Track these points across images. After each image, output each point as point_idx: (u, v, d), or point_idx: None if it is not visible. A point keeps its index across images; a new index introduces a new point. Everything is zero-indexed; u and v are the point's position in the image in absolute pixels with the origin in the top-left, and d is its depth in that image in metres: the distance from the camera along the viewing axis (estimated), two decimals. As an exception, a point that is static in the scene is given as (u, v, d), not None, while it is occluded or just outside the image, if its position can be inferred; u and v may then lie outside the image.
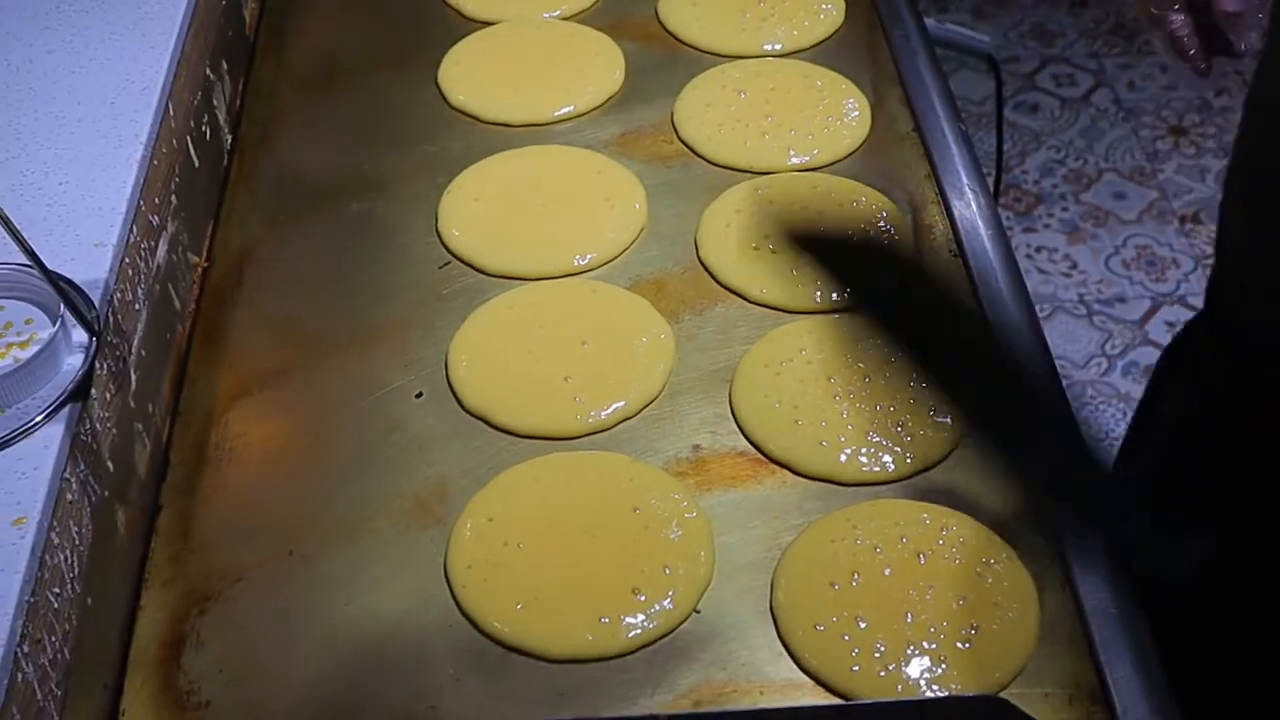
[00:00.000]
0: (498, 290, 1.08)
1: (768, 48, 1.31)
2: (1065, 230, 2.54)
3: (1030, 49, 2.96)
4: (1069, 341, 2.33)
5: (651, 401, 1.00)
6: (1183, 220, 2.55)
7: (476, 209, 1.15)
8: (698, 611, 0.87)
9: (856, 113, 1.23)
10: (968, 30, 1.56)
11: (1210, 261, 2.43)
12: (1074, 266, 2.47)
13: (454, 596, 0.88)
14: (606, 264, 1.10)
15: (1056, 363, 1.03)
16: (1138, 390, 2.24)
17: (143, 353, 0.96)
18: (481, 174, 1.18)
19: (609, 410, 0.98)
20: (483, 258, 1.11)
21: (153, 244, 1.01)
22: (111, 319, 0.91)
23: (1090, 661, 0.84)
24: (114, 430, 0.90)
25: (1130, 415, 2.19)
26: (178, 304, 1.06)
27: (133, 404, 0.94)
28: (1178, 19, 0.98)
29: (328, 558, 0.91)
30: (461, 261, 1.11)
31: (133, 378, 0.94)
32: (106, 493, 0.87)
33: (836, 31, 1.33)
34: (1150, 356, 2.30)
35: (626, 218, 1.13)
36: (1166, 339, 2.32)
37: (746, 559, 0.90)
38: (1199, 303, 2.36)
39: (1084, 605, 0.86)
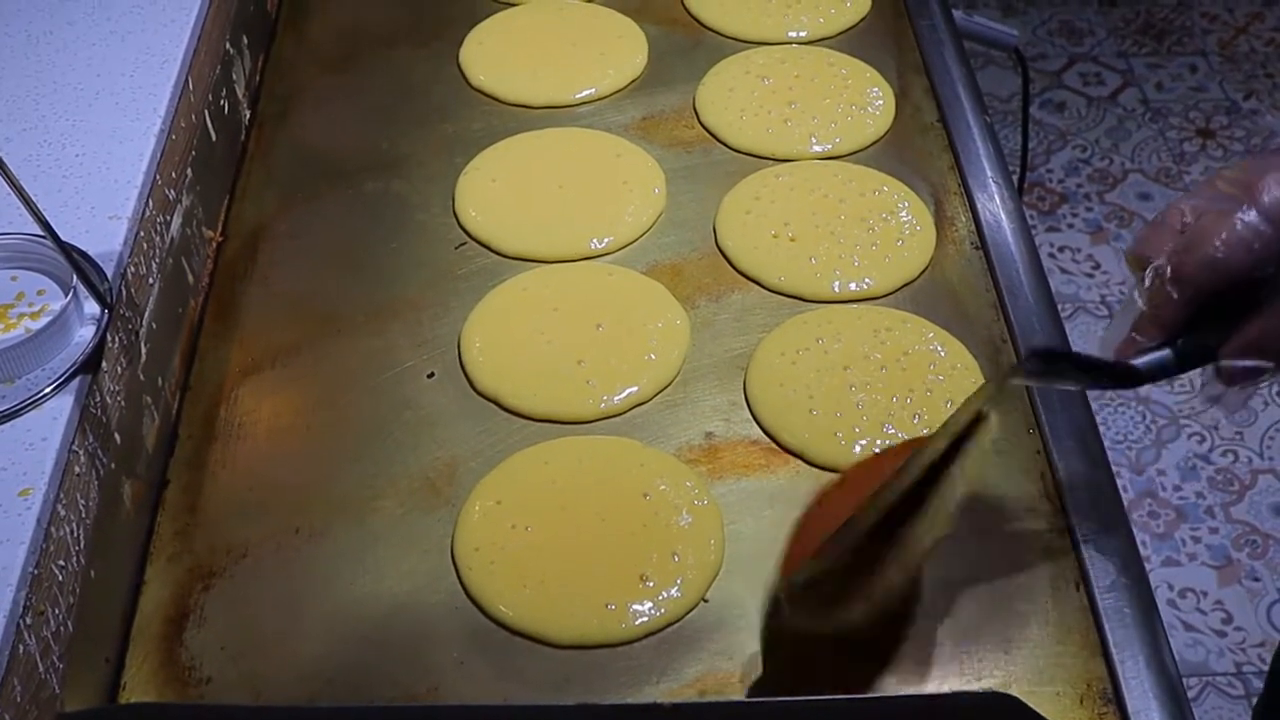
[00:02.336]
0: (513, 272, 1.07)
1: (792, 34, 1.30)
2: (1089, 230, 2.53)
3: (1058, 46, 2.94)
4: (1090, 342, 2.31)
5: (665, 387, 0.99)
6: (1208, 222, 2.53)
7: (494, 190, 1.14)
8: (706, 600, 0.86)
9: (880, 102, 1.21)
10: (995, 23, 1.54)
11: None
12: (1097, 267, 2.46)
13: (460, 578, 0.88)
14: (624, 248, 1.10)
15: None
16: (1157, 393, 2.22)
17: (154, 326, 0.96)
18: (500, 155, 1.18)
19: (622, 395, 0.97)
20: (499, 239, 1.10)
21: (167, 218, 1.01)
22: (124, 292, 0.91)
23: (1103, 661, 0.83)
24: (123, 403, 0.89)
25: (1149, 418, 2.18)
26: (191, 278, 1.05)
27: (142, 377, 0.93)
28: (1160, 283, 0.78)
29: (334, 536, 0.91)
30: (478, 242, 1.10)
31: (143, 351, 0.93)
32: (114, 465, 0.87)
33: (862, 20, 1.32)
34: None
35: (645, 202, 1.12)
36: (1188, 341, 2.30)
37: (757, 548, 0.89)
38: (1222, 306, 2.35)
39: (1098, 605, 0.85)
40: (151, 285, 0.96)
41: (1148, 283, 0.78)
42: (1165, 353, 0.79)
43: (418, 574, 0.88)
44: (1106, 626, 0.84)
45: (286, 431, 0.98)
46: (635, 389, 0.98)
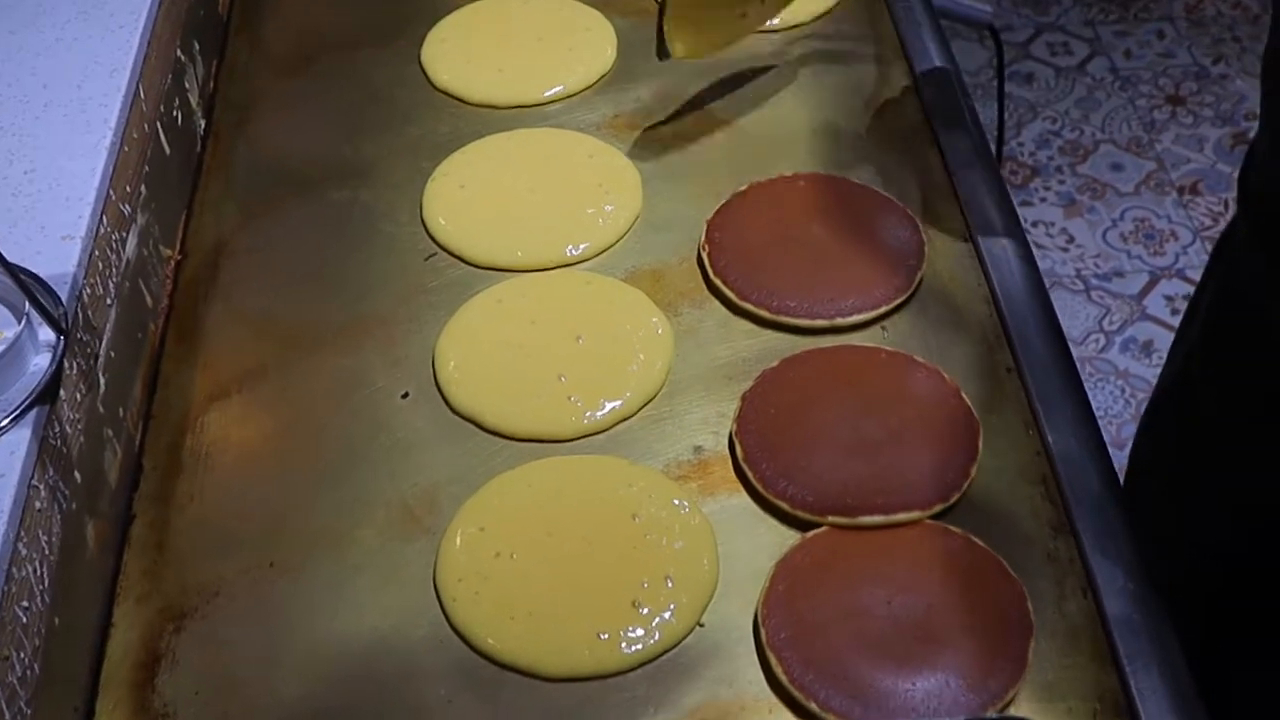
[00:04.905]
0: (486, 283, 1.04)
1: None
2: (1062, 204, 2.51)
3: (1025, 17, 2.92)
4: (1067, 317, 2.30)
5: (650, 400, 0.96)
6: (1181, 191, 2.52)
7: (463, 196, 1.10)
8: (701, 625, 0.84)
9: (859, 91, 1.18)
10: (968, 0, 1.51)
11: (1209, 233, 2.40)
12: (1071, 240, 2.44)
13: (444, 611, 0.85)
14: (601, 254, 1.06)
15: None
16: (1137, 367, 2.21)
17: (112, 354, 0.92)
18: (468, 159, 1.14)
19: (605, 410, 0.94)
20: (470, 248, 1.06)
21: (123, 236, 0.97)
22: (80, 316, 0.87)
23: (1114, 672, 0.81)
24: (83, 435, 0.86)
25: (1128, 391, 2.17)
26: (150, 300, 1.02)
27: (102, 409, 0.90)
28: None
29: (311, 570, 0.88)
30: (448, 252, 1.07)
31: (102, 380, 0.90)
32: (75, 503, 0.84)
33: (837, 5, 1.28)
34: (1149, 332, 2.27)
35: (621, 205, 1.09)
36: (1166, 313, 2.29)
37: (752, 568, 0.86)
38: (1198, 275, 2.33)
39: (1106, 613, 0.83)
40: (109, 307, 0.93)
41: None
42: None
43: (400, 607, 0.85)
44: (1116, 635, 0.82)
45: (256, 460, 0.95)
46: (619, 403, 0.95)
